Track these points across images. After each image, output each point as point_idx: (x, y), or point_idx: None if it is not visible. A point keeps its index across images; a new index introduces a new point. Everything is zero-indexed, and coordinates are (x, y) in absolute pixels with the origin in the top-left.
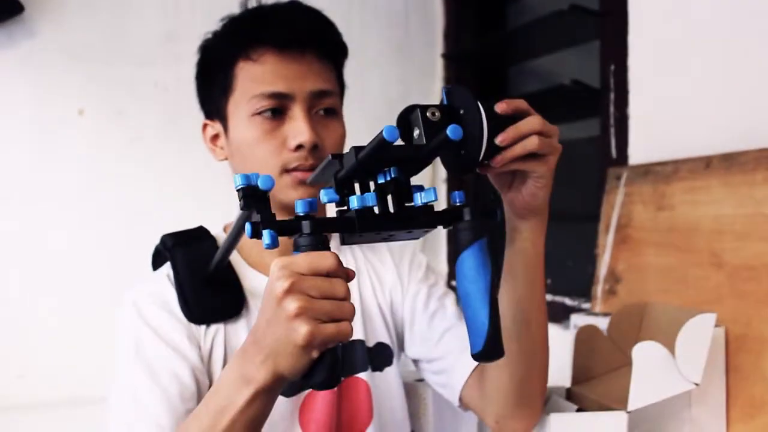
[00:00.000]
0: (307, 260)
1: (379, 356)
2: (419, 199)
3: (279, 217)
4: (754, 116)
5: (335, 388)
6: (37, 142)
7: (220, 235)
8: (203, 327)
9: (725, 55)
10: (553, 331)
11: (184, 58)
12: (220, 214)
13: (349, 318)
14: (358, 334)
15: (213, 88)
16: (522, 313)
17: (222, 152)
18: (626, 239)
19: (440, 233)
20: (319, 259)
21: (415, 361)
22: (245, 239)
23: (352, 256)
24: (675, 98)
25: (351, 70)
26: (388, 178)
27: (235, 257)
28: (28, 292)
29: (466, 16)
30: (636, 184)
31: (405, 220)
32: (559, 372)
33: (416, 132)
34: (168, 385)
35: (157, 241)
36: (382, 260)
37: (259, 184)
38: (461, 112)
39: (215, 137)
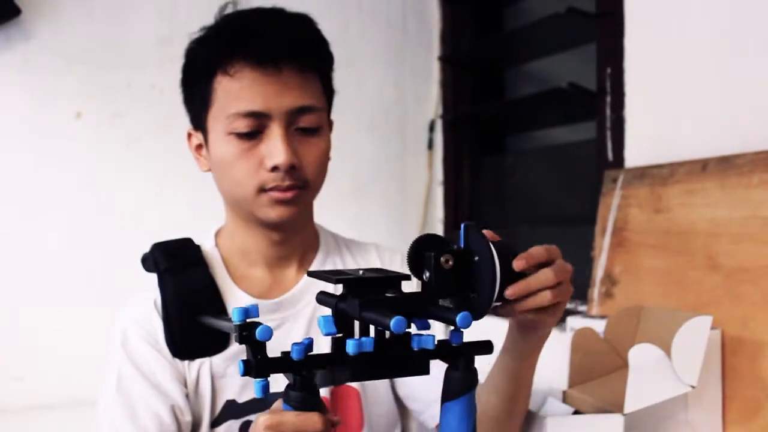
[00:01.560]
0: (296, 424)
1: None
2: (416, 343)
3: (261, 231)
4: (750, 119)
5: (328, 397)
6: (34, 144)
7: (211, 253)
8: (187, 360)
9: (721, 58)
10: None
11: (179, 61)
12: (215, 215)
13: None
14: None
15: (194, 99)
16: (503, 409)
17: (206, 163)
18: (623, 242)
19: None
20: (308, 423)
21: (394, 382)
22: (232, 250)
23: (341, 261)
24: (671, 101)
25: (348, 71)
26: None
27: (220, 272)
28: (26, 294)
29: (463, 19)
30: (632, 186)
31: (399, 367)
32: (556, 374)
33: (426, 274)
34: (147, 426)
35: (153, 242)
36: (369, 265)
37: (257, 335)
38: (476, 258)
39: (199, 147)
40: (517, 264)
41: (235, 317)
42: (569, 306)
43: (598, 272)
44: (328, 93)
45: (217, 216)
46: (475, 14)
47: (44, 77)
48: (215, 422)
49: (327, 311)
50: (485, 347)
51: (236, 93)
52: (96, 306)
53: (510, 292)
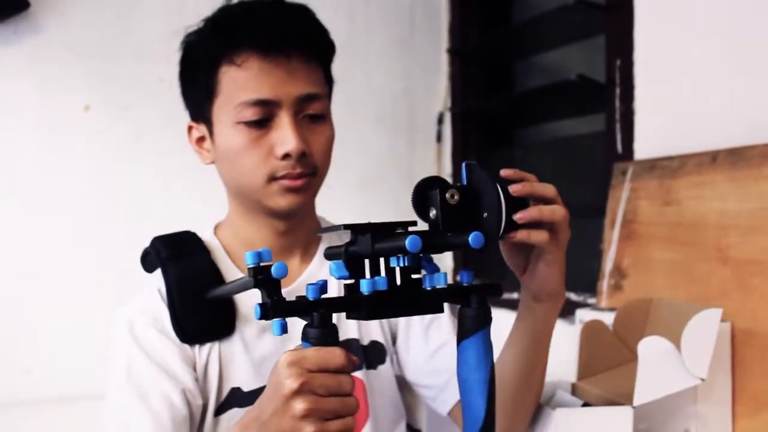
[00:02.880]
0: (317, 357)
1: (374, 354)
2: (428, 282)
3: (266, 222)
4: (760, 111)
5: None
6: (43, 137)
7: (212, 242)
8: (197, 345)
9: (732, 49)
10: (559, 326)
11: None
12: (224, 208)
13: (354, 413)
14: (353, 333)
15: (197, 91)
16: (522, 379)
17: (209, 156)
18: (632, 234)
19: None
20: (329, 357)
21: (403, 369)
22: (234, 242)
23: None
24: (681, 93)
25: (355, 64)
26: (401, 264)
27: (222, 259)
28: (34, 288)
29: (471, 11)
30: (642, 179)
31: (413, 305)
32: (565, 367)
33: (433, 212)
34: (159, 410)
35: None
36: None
37: (272, 272)
38: (480, 193)
39: (201, 139)
40: (514, 189)
41: (249, 260)
42: (578, 298)
43: (608, 265)
44: (329, 82)
45: (226, 208)
46: (483, 6)
47: (52, 70)
48: (219, 409)
49: None
50: (494, 289)
51: (244, 82)
52: (104, 299)
53: (519, 216)
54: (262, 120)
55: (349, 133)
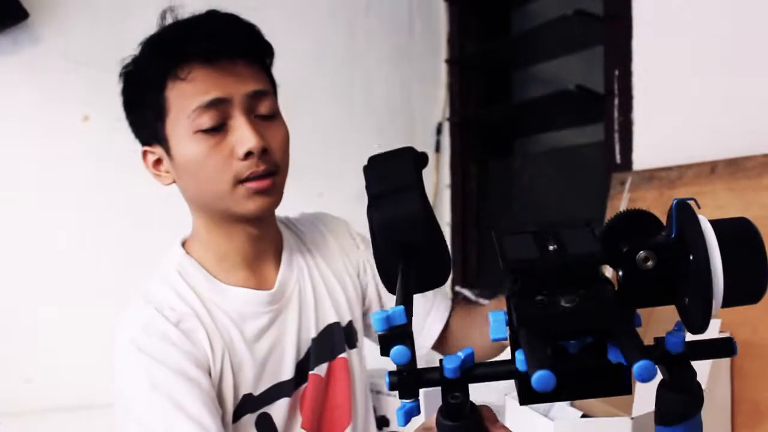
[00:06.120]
0: None
1: (351, 333)
2: (614, 355)
3: (238, 229)
4: (759, 121)
5: (323, 375)
6: (41, 147)
7: (184, 261)
8: (209, 352)
9: (730, 60)
10: None
11: None
12: None
13: None
14: (331, 318)
15: (145, 114)
16: None
17: (168, 176)
18: None
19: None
20: None
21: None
22: (208, 259)
23: (303, 245)
24: (680, 103)
25: (355, 74)
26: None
27: (204, 276)
28: (35, 297)
29: (470, 21)
30: (641, 189)
31: (599, 384)
32: None
33: (619, 272)
34: (198, 414)
35: (161, 244)
36: (339, 238)
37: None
38: (690, 255)
39: (158, 162)
40: None
41: (378, 326)
42: None
43: (606, 275)
44: (274, 84)
45: None
46: (482, 16)
47: (51, 80)
48: (233, 417)
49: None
50: (728, 348)
51: (192, 91)
52: (105, 308)
53: None
54: (218, 126)
55: (348, 143)
